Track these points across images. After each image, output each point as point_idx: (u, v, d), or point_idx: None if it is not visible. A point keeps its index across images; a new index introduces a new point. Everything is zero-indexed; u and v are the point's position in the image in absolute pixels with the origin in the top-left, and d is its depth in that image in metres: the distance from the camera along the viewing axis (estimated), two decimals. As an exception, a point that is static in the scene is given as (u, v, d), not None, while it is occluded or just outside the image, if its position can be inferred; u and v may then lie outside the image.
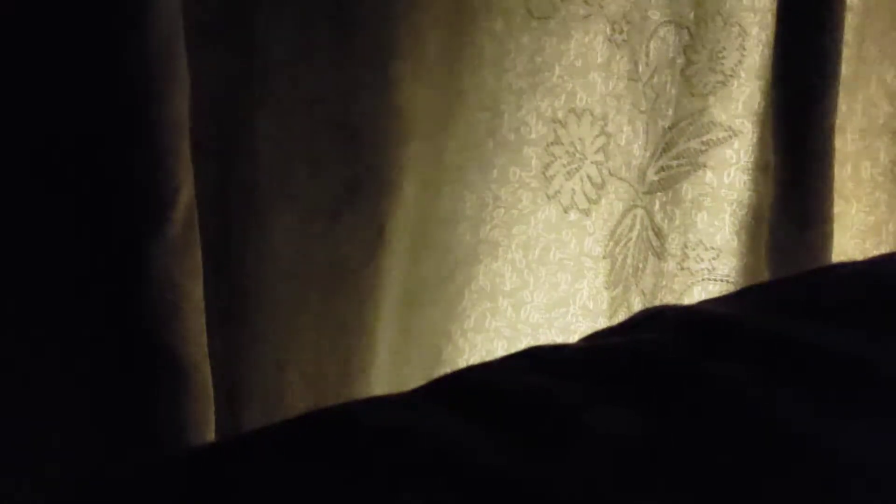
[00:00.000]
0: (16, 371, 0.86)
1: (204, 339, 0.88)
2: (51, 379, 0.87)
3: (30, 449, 0.86)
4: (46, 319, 0.86)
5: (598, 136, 1.16)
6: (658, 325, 0.73)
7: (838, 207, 1.16)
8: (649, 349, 0.69)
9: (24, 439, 0.87)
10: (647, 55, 1.14)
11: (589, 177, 1.16)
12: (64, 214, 0.85)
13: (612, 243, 1.18)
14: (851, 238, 1.19)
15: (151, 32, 0.81)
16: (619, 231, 1.18)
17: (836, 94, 1.09)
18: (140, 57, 0.81)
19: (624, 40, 1.14)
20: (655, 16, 1.14)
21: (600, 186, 1.17)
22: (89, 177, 0.84)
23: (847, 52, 1.15)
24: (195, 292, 0.87)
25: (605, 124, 1.16)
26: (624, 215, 1.18)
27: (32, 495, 0.83)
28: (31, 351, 0.86)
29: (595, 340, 0.75)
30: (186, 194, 0.86)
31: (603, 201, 1.17)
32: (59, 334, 0.86)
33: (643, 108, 1.15)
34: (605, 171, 1.16)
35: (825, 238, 1.10)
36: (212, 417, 0.89)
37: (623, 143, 1.16)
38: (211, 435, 0.89)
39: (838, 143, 1.15)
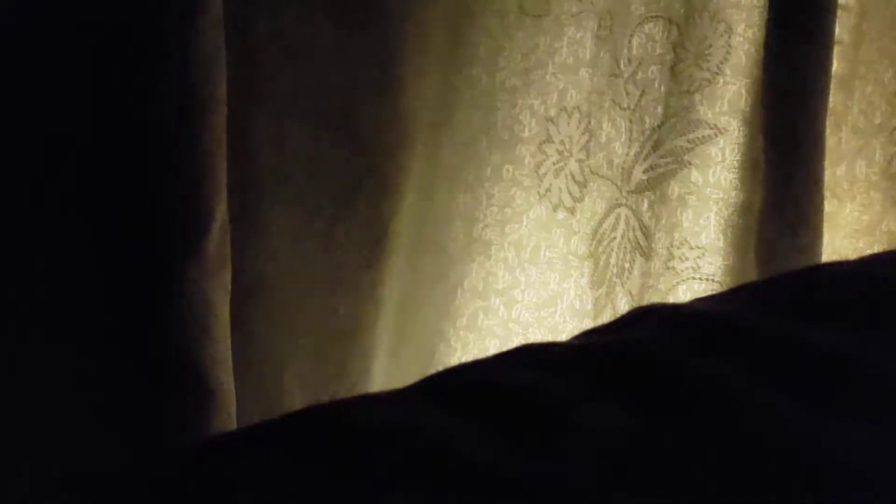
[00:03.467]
0: (46, 382, 0.86)
1: (229, 359, 0.88)
2: (80, 391, 0.87)
3: (53, 459, 0.86)
4: (80, 334, 0.86)
5: (583, 134, 1.16)
6: (650, 324, 0.73)
7: (833, 206, 1.16)
8: (642, 347, 0.69)
9: (48, 449, 0.87)
10: (630, 51, 1.14)
11: (572, 174, 1.16)
12: (104, 231, 0.85)
13: (594, 243, 1.18)
14: (845, 237, 1.19)
15: (194, 52, 0.81)
16: (601, 230, 1.17)
17: (828, 93, 1.09)
18: (183, 76, 0.81)
19: (607, 35, 1.14)
20: (640, 10, 1.14)
21: (583, 185, 1.16)
22: (132, 194, 0.84)
23: (844, 52, 1.15)
24: (224, 312, 0.87)
25: (589, 122, 1.15)
26: (607, 214, 1.17)
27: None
28: (63, 364, 0.86)
29: (588, 338, 0.75)
30: (222, 212, 0.85)
31: (587, 199, 1.17)
32: (92, 349, 0.86)
33: (625, 105, 1.15)
34: (586, 170, 1.16)
35: (815, 237, 1.09)
36: None
37: (604, 140, 1.16)
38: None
39: (833, 141, 1.15)
